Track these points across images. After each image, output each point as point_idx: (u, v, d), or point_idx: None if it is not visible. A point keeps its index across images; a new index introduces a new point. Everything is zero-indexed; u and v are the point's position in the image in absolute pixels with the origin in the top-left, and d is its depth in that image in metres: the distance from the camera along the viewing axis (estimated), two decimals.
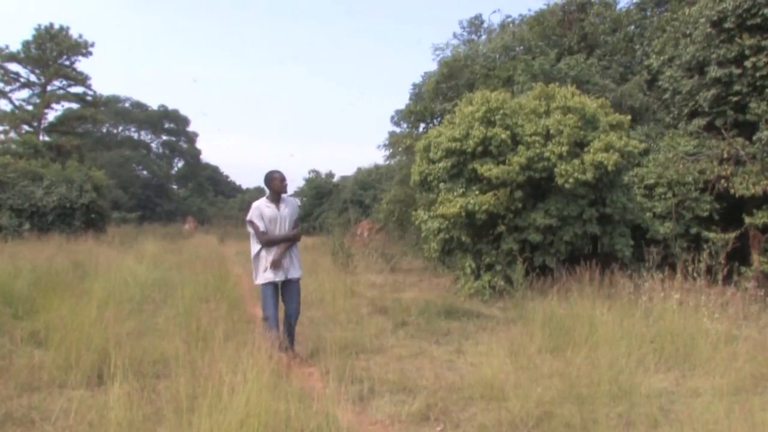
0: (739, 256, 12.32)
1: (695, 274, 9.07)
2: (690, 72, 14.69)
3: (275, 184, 7.35)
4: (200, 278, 11.64)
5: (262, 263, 7.27)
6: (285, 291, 7.38)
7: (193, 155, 74.87)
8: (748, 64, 12.91)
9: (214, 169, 79.96)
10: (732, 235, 12.18)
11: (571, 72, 16.65)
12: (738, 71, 13.11)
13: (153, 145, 72.99)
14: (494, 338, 7.99)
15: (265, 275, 7.22)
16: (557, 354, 6.84)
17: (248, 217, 7.35)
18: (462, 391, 5.94)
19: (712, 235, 12.52)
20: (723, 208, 13.14)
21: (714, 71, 13.44)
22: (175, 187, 71.30)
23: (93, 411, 4.80)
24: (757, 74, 12.87)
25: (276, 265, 7.18)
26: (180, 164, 75.00)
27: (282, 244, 7.28)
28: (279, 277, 7.24)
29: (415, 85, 23.16)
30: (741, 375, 6.05)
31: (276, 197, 7.39)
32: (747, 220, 12.39)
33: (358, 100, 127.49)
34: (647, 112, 16.63)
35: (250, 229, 7.33)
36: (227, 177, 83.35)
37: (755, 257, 12.36)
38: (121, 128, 69.67)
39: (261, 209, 7.32)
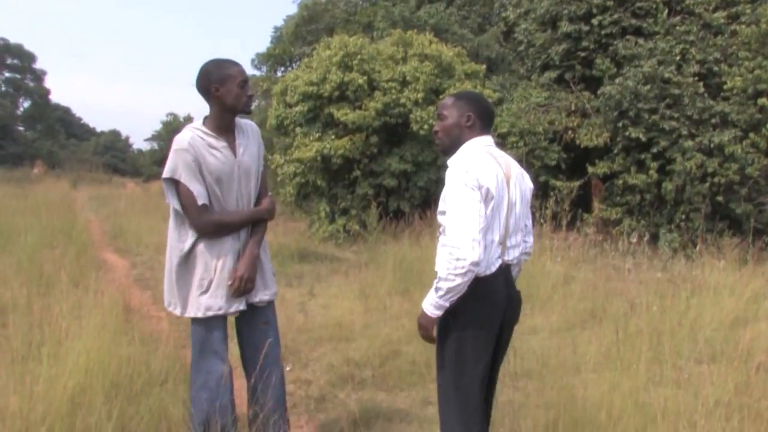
0: (582, 203, 12.96)
1: (542, 220, 9.44)
2: (543, 26, 15.12)
3: (230, 89, 3.13)
4: (47, 223, 10.94)
5: (197, 274, 3.18)
6: (246, 326, 3.39)
7: (41, 95, 69.47)
8: (595, 21, 13.49)
9: (66, 110, 74.78)
10: (576, 183, 12.76)
11: (431, 20, 16.71)
12: (586, 28, 13.67)
13: None
14: (346, 281, 8.03)
15: (207, 300, 3.17)
16: (407, 295, 6.91)
17: (167, 172, 3.13)
18: (312, 332, 6.00)
19: (558, 183, 13.05)
20: (569, 158, 13.73)
21: (565, 26, 13.91)
22: (21, 128, 66.28)
23: None
24: (603, 32, 13.49)
25: (243, 283, 3.17)
26: (27, 104, 69.76)
27: (250, 233, 3.30)
28: (236, 305, 3.22)
29: (276, 29, 22.58)
30: (574, 312, 6.43)
31: (228, 122, 3.23)
32: (590, 169, 13.01)
33: (221, 42, 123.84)
34: (503, 63, 17.01)
35: (172, 198, 3.15)
36: (80, 119, 78.39)
37: (596, 204, 13.05)
38: None
39: (197, 151, 3.11)
